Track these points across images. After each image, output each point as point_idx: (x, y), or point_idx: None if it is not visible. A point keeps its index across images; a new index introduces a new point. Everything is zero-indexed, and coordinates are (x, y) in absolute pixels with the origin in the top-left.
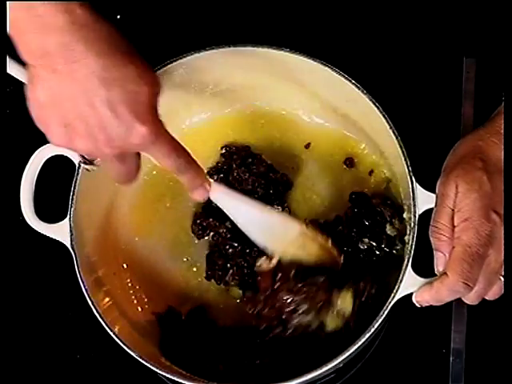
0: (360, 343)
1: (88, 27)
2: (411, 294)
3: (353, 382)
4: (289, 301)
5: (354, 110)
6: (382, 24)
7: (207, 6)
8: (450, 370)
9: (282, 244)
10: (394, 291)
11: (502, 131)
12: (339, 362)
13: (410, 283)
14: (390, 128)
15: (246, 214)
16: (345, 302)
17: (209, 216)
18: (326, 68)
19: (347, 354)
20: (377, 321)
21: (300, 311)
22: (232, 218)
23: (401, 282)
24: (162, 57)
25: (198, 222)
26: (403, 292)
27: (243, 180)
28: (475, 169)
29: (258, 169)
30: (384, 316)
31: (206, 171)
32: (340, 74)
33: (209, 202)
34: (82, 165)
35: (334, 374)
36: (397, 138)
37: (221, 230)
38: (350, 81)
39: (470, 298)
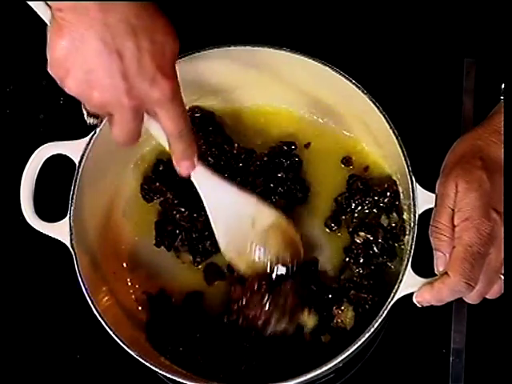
0: (360, 343)
1: None
2: (411, 293)
3: (353, 382)
4: (259, 314)
5: (355, 110)
6: (382, 24)
7: (208, 6)
8: (449, 370)
9: (239, 248)
10: (394, 291)
11: (501, 130)
12: (339, 362)
13: (409, 283)
14: (390, 128)
15: (221, 201)
16: (346, 319)
17: (156, 181)
18: (327, 68)
19: (347, 353)
20: (376, 321)
21: (273, 322)
22: (205, 203)
23: (400, 281)
24: None
25: (146, 186)
26: (403, 292)
27: (199, 146)
28: (475, 168)
29: (215, 139)
30: (384, 316)
31: None
32: (341, 74)
33: (158, 166)
34: (87, 118)
35: (333, 373)
36: (397, 137)
37: (168, 196)
38: (351, 81)
39: (471, 298)
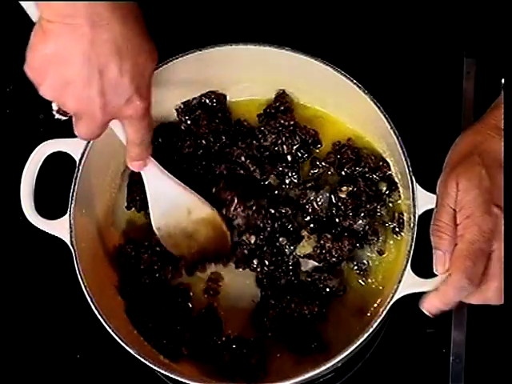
0: (359, 343)
1: None
2: (411, 294)
3: (353, 382)
4: None
5: (355, 110)
6: (382, 25)
7: (209, 5)
8: (449, 370)
9: (170, 230)
10: (394, 291)
11: (499, 124)
12: (338, 362)
13: (409, 283)
14: (391, 128)
15: (162, 191)
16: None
17: None
18: (328, 67)
19: (345, 353)
20: (375, 321)
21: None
22: (147, 190)
23: (400, 282)
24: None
25: None
26: (402, 292)
27: (200, 125)
28: (474, 164)
29: (218, 126)
30: (383, 316)
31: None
32: (342, 74)
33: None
34: (57, 114)
35: (333, 373)
36: (397, 138)
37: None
38: (352, 80)
39: (494, 298)
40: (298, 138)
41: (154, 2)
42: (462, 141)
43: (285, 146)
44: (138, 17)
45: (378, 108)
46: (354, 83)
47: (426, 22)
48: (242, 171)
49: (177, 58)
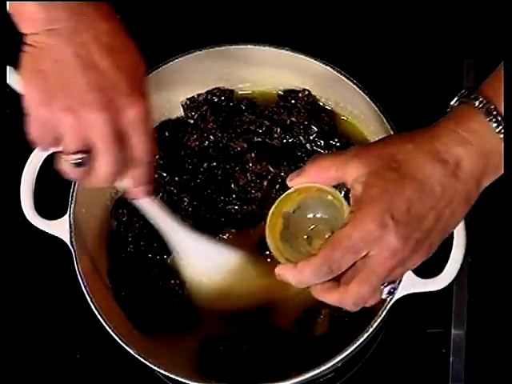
0: (359, 343)
1: None
2: (411, 294)
3: (353, 382)
4: None
5: (355, 110)
6: (382, 25)
7: (209, 5)
8: (449, 370)
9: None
10: None
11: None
12: (337, 362)
13: (409, 283)
14: (392, 129)
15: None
16: None
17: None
18: (328, 67)
19: (346, 353)
20: (375, 321)
21: None
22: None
23: (400, 282)
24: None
25: None
26: (402, 292)
27: (207, 121)
28: (389, 167)
29: (225, 121)
30: (383, 316)
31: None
32: (342, 74)
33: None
34: (68, 162)
35: (333, 373)
36: None
37: (156, 157)
38: (352, 81)
39: (349, 303)
40: (314, 127)
41: (154, 2)
42: (395, 140)
43: (301, 137)
44: (117, 16)
45: (378, 108)
46: (354, 83)
47: (426, 22)
48: (259, 139)
49: (177, 58)
